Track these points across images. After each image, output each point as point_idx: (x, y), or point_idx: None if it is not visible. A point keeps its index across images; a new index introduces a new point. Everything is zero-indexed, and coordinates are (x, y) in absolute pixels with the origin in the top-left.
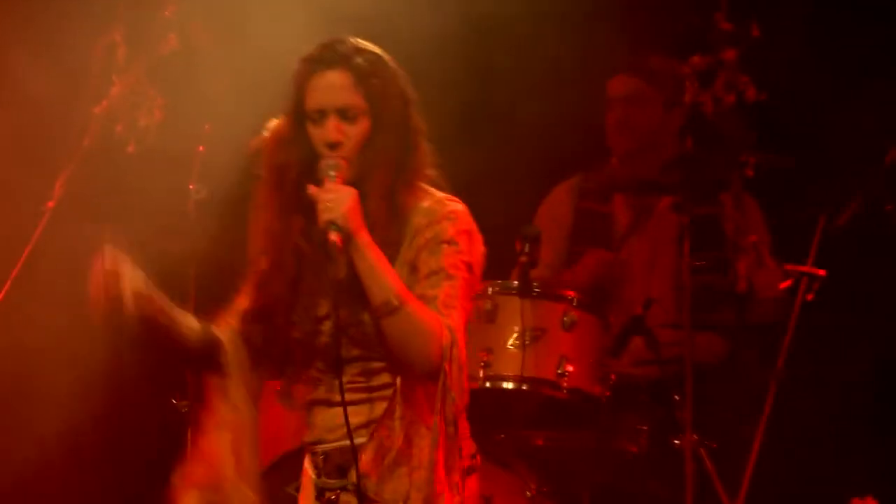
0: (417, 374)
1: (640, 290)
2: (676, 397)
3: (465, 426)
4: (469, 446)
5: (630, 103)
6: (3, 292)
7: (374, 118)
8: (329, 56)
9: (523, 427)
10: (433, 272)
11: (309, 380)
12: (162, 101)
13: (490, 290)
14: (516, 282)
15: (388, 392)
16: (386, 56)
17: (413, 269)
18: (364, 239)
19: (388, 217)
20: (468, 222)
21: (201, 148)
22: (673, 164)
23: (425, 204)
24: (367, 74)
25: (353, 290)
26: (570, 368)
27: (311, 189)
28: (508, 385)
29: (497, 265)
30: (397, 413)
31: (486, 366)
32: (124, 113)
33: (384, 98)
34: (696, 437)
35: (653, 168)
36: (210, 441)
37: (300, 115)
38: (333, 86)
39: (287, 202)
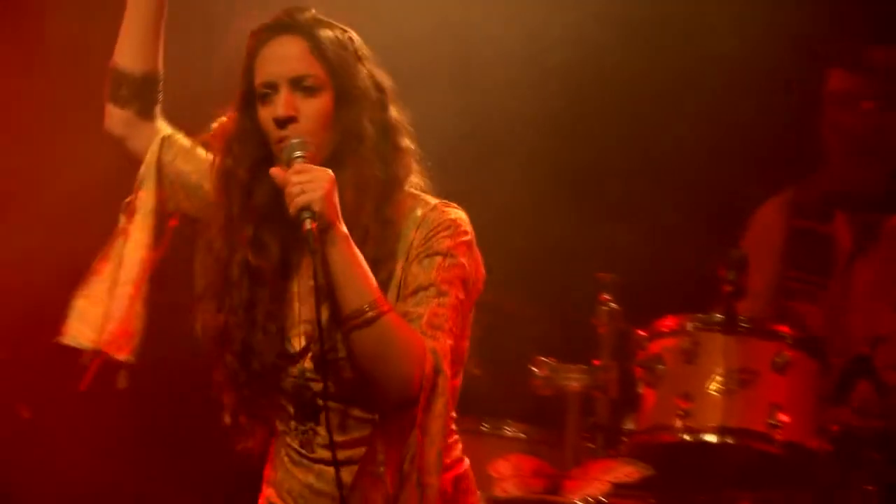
0: (390, 404)
1: (865, 326)
2: None
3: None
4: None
5: (847, 102)
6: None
7: (339, 94)
8: (282, 23)
9: (729, 486)
10: (422, 287)
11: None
12: None
13: (689, 325)
14: (720, 315)
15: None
16: (358, 39)
17: (404, 286)
18: (341, 231)
19: (378, 226)
20: (468, 232)
21: None
22: None
23: (419, 212)
24: (329, 43)
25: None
26: (784, 418)
27: (275, 172)
28: (711, 437)
29: (697, 296)
30: (380, 457)
31: (685, 415)
32: None
33: (351, 73)
34: None
35: (878, 178)
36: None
37: (250, 102)
38: (285, 54)
39: (235, 209)
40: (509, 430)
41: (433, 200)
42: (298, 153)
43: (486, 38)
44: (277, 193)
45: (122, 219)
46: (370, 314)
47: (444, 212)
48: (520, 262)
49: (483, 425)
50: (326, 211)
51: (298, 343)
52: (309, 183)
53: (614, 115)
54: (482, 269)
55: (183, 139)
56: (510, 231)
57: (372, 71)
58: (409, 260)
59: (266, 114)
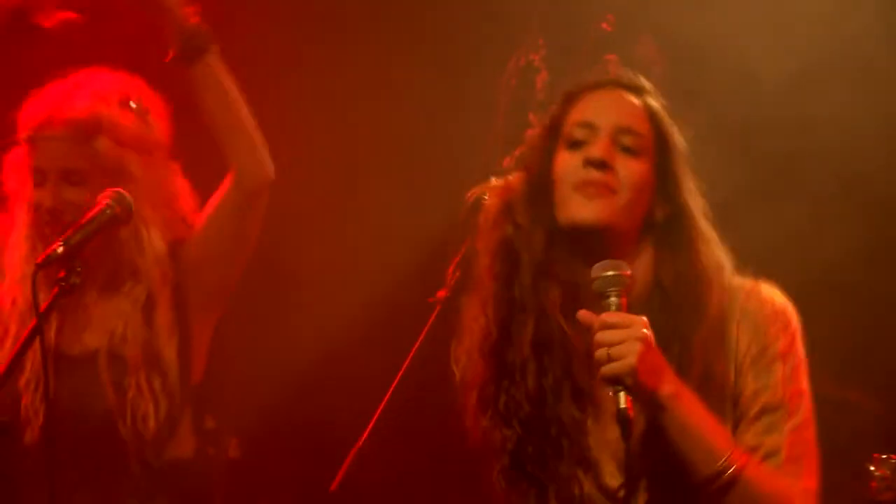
0: None
1: None
2: None
3: None
4: None
5: None
6: (388, 395)
7: (659, 166)
8: (612, 80)
9: None
10: (769, 409)
11: None
12: None
13: None
14: None
15: None
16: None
17: (734, 401)
18: (668, 392)
19: (703, 331)
20: (796, 316)
21: None
22: None
23: (734, 303)
24: (661, 110)
25: (653, 464)
26: None
27: (584, 315)
28: None
29: None
30: None
31: None
32: None
33: (675, 150)
34: None
35: None
36: None
37: (553, 152)
38: (614, 102)
39: (518, 298)
40: None
41: (746, 283)
42: (613, 289)
43: None
44: (574, 268)
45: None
46: (728, 474)
47: (765, 301)
48: (854, 338)
49: None
50: (644, 381)
51: (614, 479)
52: (619, 346)
53: None
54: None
55: None
56: (835, 297)
57: (688, 163)
58: (739, 366)
59: (573, 157)
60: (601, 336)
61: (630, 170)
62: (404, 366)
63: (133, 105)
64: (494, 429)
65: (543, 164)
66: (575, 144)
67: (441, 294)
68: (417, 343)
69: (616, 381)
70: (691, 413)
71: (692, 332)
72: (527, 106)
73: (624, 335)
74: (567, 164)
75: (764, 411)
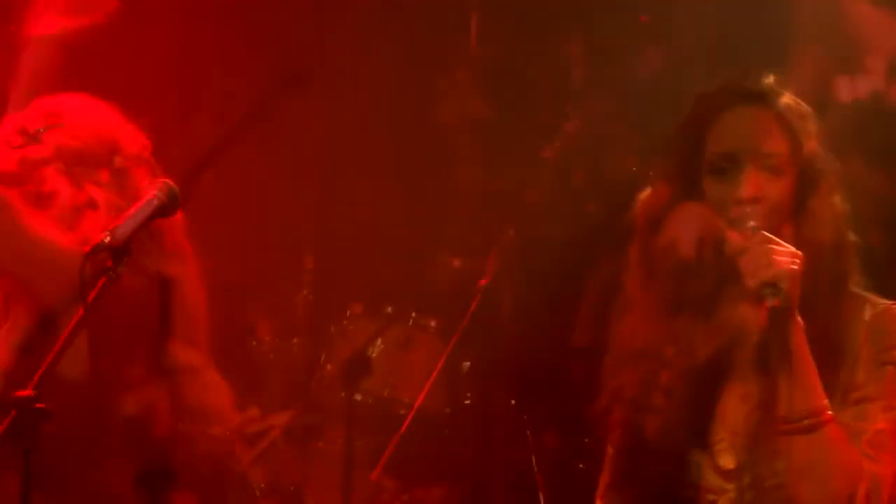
0: None
1: None
2: None
3: None
4: None
5: None
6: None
7: (799, 176)
8: (746, 91)
9: None
10: (867, 399)
11: None
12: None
13: None
14: None
15: None
16: (810, 111)
17: (845, 394)
18: (798, 321)
19: (816, 329)
20: None
21: None
22: None
23: (866, 315)
24: (793, 118)
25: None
26: None
27: (733, 237)
28: None
29: None
30: None
31: None
32: (586, 158)
33: (810, 153)
34: None
35: None
36: None
37: (693, 169)
38: (752, 126)
39: (664, 296)
40: None
41: (881, 301)
42: (753, 223)
43: None
44: (711, 276)
45: None
46: (810, 420)
47: None
48: None
49: None
50: (793, 292)
51: (727, 458)
52: (776, 255)
53: None
54: None
55: None
56: None
57: (823, 151)
58: (853, 364)
59: (720, 189)
60: (761, 245)
61: (777, 193)
62: (446, 353)
63: (27, 131)
64: (652, 407)
65: (687, 181)
66: (720, 172)
67: (482, 283)
68: (459, 330)
69: (771, 283)
70: (807, 350)
71: (810, 322)
72: (564, 99)
73: (783, 249)
74: (716, 193)
75: (862, 400)
